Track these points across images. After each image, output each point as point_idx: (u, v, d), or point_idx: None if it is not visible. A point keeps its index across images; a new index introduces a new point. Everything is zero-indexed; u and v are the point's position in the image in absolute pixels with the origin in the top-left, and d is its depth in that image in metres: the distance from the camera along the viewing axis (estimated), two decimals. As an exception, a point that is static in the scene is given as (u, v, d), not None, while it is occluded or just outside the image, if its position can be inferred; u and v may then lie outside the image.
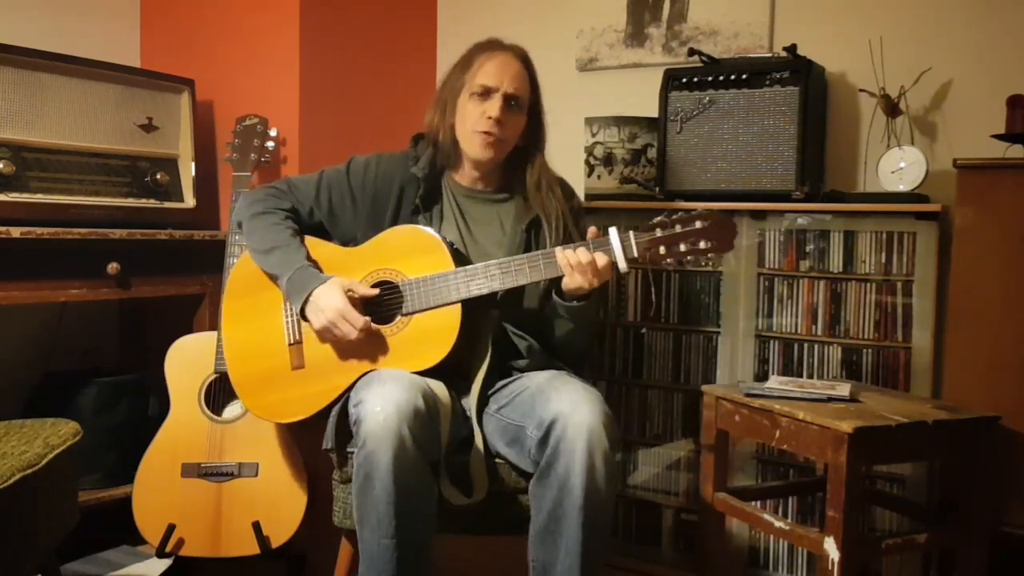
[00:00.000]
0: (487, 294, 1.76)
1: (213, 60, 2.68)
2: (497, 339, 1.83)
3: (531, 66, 1.92)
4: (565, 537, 1.60)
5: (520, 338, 1.85)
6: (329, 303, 1.73)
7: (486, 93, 1.84)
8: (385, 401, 1.57)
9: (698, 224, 1.71)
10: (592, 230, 1.74)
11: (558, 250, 1.72)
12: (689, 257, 1.73)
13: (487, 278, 1.74)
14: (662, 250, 1.72)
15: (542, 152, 1.95)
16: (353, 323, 1.72)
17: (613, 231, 1.72)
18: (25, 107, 2.16)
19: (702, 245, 1.71)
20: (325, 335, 1.77)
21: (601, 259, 1.70)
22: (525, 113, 1.90)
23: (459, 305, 1.75)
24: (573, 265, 1.70)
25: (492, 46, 1.90)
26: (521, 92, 1.87)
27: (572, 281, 1.72)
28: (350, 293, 1.75)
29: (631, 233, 1.73)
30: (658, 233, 1.72)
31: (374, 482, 1.57)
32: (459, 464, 1.75)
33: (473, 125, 1.85)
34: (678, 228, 1.71)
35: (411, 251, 1.80)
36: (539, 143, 1.95)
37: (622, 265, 1.72)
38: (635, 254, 1.72)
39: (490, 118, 1.83)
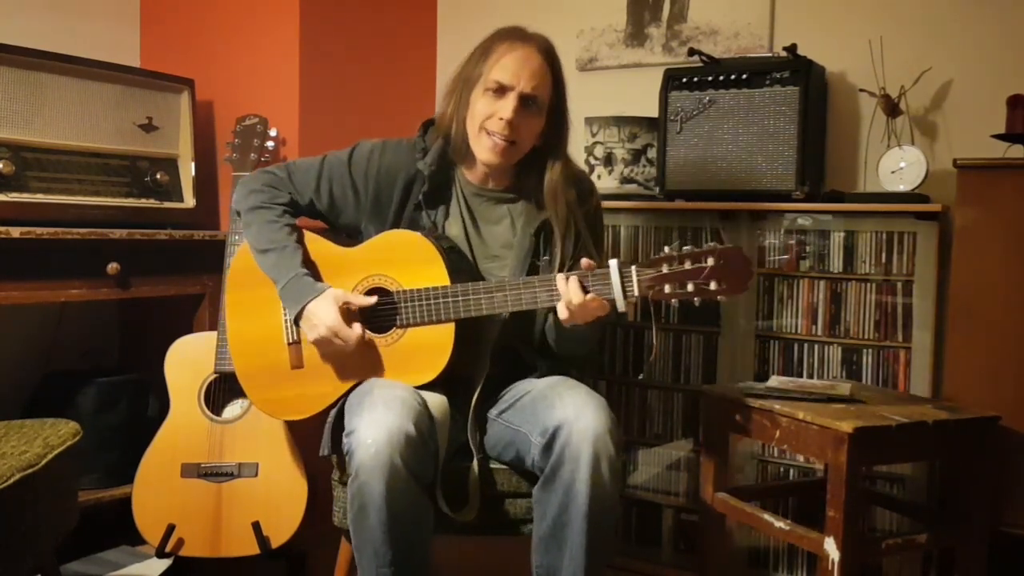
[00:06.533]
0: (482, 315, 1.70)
1: (213, 60, 2.68)
2: (498, 349, 1.78)
3: (556, 61, 1.78)
4: (570, 543, 1.58)
5: (525, 351, 1.81)
6: (322, 320, 1.68)
7: (501, 91, 1.72)
8: (376, 431, 1.53)
9: (710, 261, 1.55)
10: (585, 263, 1.61)
11: (559, 279, 1.61)
12: (696, 298, 1.57)
13: (481, 301, 1.68)
14: (667, 288, 1.56)
15: (562, 158, 1.81)
16: (346, 340, 1.68)
17: (614, 264, 1.57)
18: (25, 107, 2.15)
19: (712, 286, 1.55)
20: (319, 347, 1.74)
21: (595, 301, 1.58)
22: (544, 114, 1.77)
23: (452, 324, 1.70)
24: (566, 303, 1.59)
25: (514, 36, 1.76)
26: (540, 92, 1.73)
27: (564, 317, 1.62)
28: (345, 306, 1.70)
29: (634, 268, 1.57)
30: (664, 269, 1.56)
31: (369, 513, 1.55)
32: (457, 471, 1.72)
33: (483, 124, 1.73)
34: (687, 265, 1.55)
35: (408, 260, 1.74)
36: (559, 147, 1.81)
37: (621, 305, 1.58)
38: (636, 292, 1.57)
39: (501, 119, 1.71)
